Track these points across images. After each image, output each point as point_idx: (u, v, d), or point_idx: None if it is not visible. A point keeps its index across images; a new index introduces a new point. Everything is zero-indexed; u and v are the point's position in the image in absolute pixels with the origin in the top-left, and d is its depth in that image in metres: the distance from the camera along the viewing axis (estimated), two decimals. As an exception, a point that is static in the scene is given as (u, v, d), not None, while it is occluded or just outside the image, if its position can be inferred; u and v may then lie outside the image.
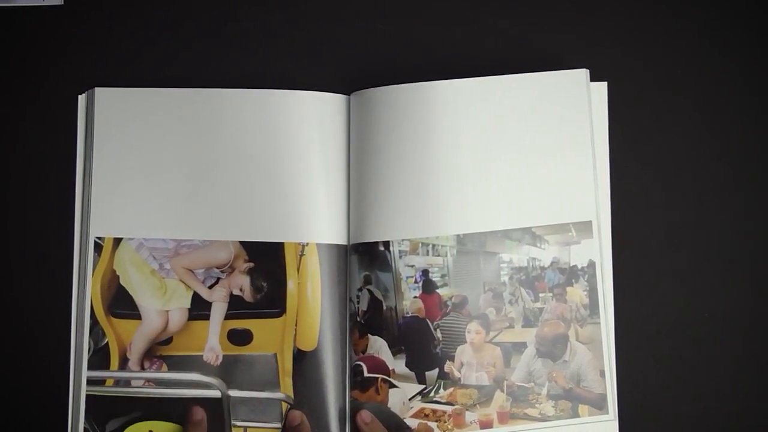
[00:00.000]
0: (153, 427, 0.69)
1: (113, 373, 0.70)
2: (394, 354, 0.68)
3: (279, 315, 0.69)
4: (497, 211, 0.69)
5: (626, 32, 0.73)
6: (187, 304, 0.70)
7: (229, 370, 0.69)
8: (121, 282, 0.70)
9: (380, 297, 0.69)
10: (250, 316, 0.70)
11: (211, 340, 0.69)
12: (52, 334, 0.71)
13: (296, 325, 0.69)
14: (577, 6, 0.73)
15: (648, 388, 0.71)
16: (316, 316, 0.69)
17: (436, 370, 0.69)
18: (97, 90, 0.71)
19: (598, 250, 0.69)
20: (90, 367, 0.69)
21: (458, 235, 0.69)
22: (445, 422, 0.68)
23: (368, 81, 0.71)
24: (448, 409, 0.68)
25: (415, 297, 0.69)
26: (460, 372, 0.69)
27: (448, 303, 0.69)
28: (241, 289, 0.70)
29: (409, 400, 0.68)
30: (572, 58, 0.72)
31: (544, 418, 0.68)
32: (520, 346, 0.69)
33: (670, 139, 0.72)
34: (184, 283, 0.70)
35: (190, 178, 0.70)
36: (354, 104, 0.71)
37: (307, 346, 0.69)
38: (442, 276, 0.69)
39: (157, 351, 0.70)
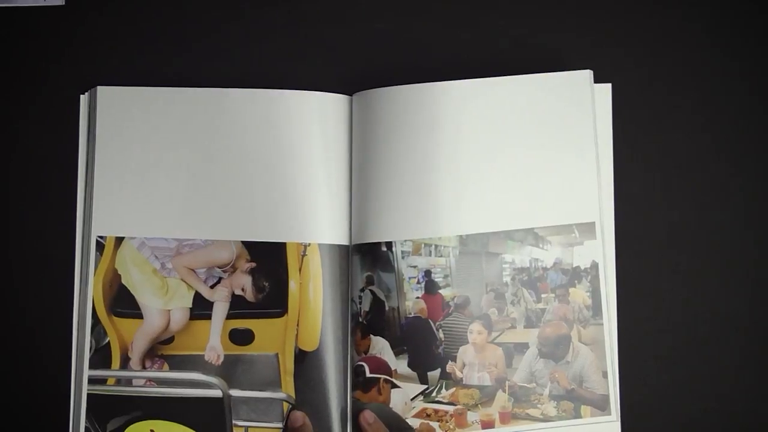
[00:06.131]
0: (154, 426, 0.69)
1: (115, 372, 0.69)
2: (397, 354, 0.68)
3: (281, 315, 0.69)
4: (500, 212, 0.69)
5: (630, 34, 0.73)
6: (189, 303, 0.70)
7: (230, 370, 0.69)
8: (123, 281, 0.70)
9: (383, 297, 0.69)
10: (251, 316, 0.69)
11: (213, 340, 0.69)
12: (54, 333, 0.71)
13: (298, 325, 0.69)
14: (582, 7, 0.73)
15: (651, 389, 0.71)
16: (318, 317, 0.69)
17: (438, 371, 0.69)
18: (99, 89, 0.71)
19: (601, 252, 0.69)
20: (91, 366, 0.69)
21: (461, 236, 0.69)
22: (446, 422, 0.68)
23: (370, 81, 0.71)
24: (450, 409, 0.68)
25: (418, 297, 0.69)
26: (462, 372, 0.69)
27: (451, 303, 0.69)
28: (242, 289, 0.70)
29: (411, 400, 0.68)
30: (576, 59, 0.72)
31: (546, 419, 0.68)
32: (522, 347, 0.69)
33: (673, 141, 0.72)
34: (185, 282, 0.70)
35: (192, 177, 0.70)
36: (356, 105, 0.71)
37: (308, 346, 0.69)
38: (445, 276, 0.69)
39: (158, 350, 0.70)
